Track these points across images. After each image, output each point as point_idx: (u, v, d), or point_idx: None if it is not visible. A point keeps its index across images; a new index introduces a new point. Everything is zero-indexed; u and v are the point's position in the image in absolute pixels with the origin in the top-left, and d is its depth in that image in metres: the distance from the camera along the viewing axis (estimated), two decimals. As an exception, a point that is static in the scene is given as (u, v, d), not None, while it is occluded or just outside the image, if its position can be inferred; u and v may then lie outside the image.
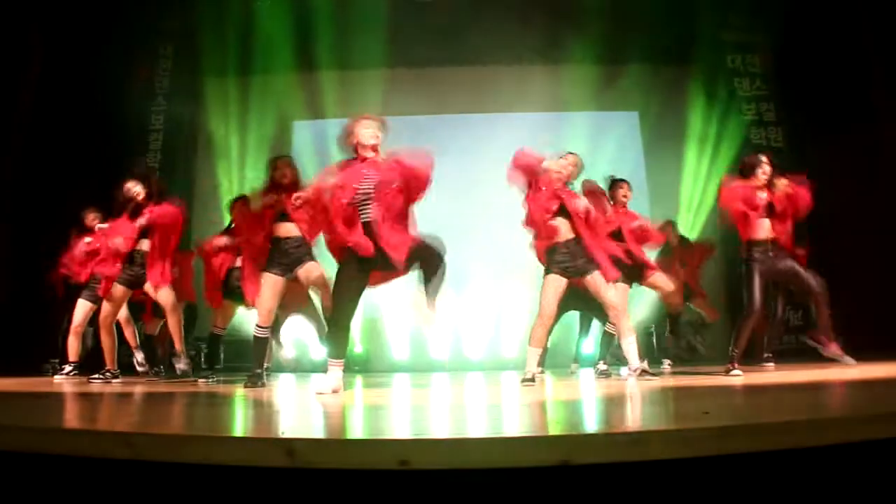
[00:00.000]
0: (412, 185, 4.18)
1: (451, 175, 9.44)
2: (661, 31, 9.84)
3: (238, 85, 10.74)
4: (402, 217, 4.18)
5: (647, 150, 10.36)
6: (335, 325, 4.18)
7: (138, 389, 4.71)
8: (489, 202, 9.24)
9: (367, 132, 4.24)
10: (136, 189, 5.65)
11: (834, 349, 5.25)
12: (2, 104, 8.35)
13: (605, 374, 5.75)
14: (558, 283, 4.79)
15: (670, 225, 7.36)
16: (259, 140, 10.27)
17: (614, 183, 6.11)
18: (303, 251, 4.88)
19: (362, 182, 4.14)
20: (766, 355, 6.64)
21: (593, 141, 10.00)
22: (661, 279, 5.94)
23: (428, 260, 4.13)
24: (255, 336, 4.98)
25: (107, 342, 5.76)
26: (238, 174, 10.03)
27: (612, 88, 10.28)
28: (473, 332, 9.56)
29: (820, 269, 6.82)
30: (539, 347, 4.92)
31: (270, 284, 4.83)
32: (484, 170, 9.83)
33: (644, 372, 4.83)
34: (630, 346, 4.86)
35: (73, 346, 6.35)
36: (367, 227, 4.07)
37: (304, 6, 10.09)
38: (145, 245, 5.65)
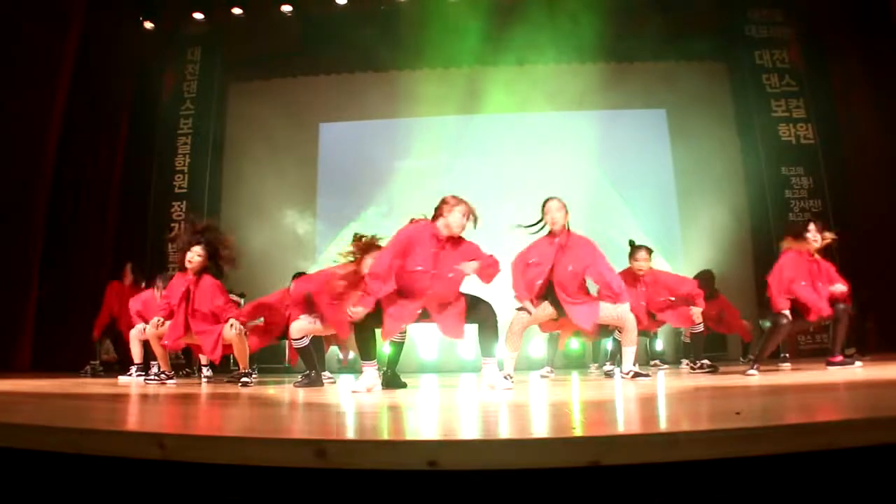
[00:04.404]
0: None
1: (479, 175, 9.49)
2: (689, 28, 9.76)
3: (264, 88, 10.84)
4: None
5: (674, 147, 10.26)
6: (361, 332, 4.38)
7: (173, 391, 4.77)
8: (521, 201, 9.23)
9: (460, 219, 4.44)
10: (195, 256, 5.73)
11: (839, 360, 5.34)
12: (37, 110, 8.50)
13: (609, 374, 6.00)
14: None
15: (709, 273, 7.52)
16: (286, 142, 10.34)
17: (632, 249, 6.36)
18: None
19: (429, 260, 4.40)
20: (783, 355, 6.76)
21: (621, 139, 9.96)
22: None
23: (483, 321, 4.50)
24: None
25: (158, 351, 5.86)
26: (264, 177, 10.07)
27: (639, 86, 10.21)
28: (501, 333, 9.51)
29: (853, 266, 6.77)
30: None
31: None
32: (512, 169, 9.87)
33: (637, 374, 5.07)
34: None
35: (137, 350, 6.63)
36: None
37: (331, 10, 10.18)
38: None
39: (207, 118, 10.40)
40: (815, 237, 5.54)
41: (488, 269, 4.49)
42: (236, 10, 10.29)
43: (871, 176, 8.47)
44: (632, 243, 6.43)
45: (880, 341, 7.95)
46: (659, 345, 8.60)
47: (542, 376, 6.17)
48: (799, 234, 5.59)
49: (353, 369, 7.41)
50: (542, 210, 5.24)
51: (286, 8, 10.22)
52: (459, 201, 4.42)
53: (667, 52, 9.93)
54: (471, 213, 4.44)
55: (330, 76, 10.91)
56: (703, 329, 6.46)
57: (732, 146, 10.02)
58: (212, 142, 10.41)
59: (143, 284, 7.62)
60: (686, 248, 9.49)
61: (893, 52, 7.99)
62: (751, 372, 5.09)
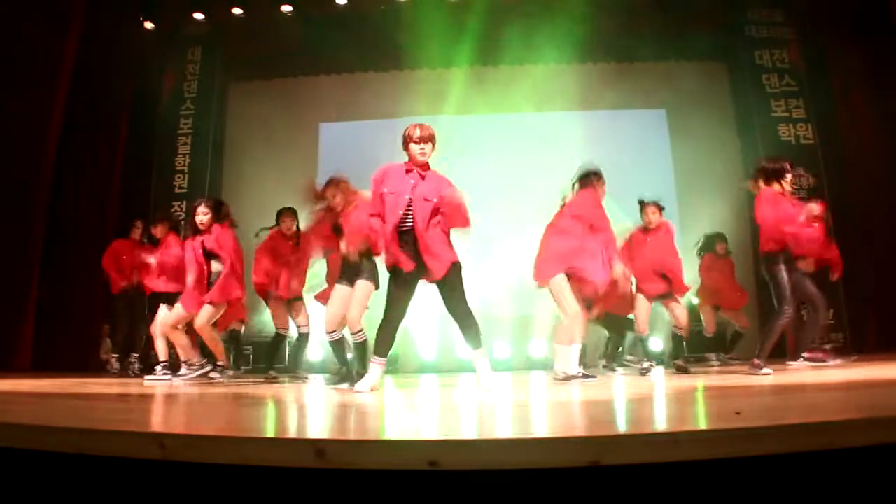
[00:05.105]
0: (450, 216, 4.26)
1: (479, 175, 9.48)
2: (689, 28, 9.76)
3: (264, 88, 10.85)
4: (442, 233, 4.27)
5: (674, 147, 10.27)
6: (386, 325, 4.28)
7: (173, 391, 4.77)
8: (520, 201, 9.22)
9: (415, 148, 4.28)
10: (202, 216, 5.82)
11: (809, 356, 5.27)
12: (37, 110, 8.50)
13: (646, 371, 6.04)
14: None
15: (719, 237, 7.58)
16: (286, 141, 10.35)
17: (642, 205, 6.43)
18: (359, 264, 5.06)
19: (404, 190, 4.25)
20: (806, 355, 6.73)
21: (621, 139, 9.96)
22: (679, 310, 6.31)
23: (455, 303, 4.24)
24: (329, 342, 5.42)
25: (181, 340, 5.91)
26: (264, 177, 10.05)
27: (639, 86, 10.22)
28: (500, 334, 9.53)
29: (852, 263, 6.75)
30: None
31: (341, 295, 5.14)
32: (512, 168, 9.87)
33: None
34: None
35: (162, 348, 6.57)
36: (408, 235, 4.19)
37: (331, 10, 10.19)
38: (216, 266, 5.84)
39: (207, 118, 10.38)
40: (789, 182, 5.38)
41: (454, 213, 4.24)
42: (236, 10, 10.28)
43: (871, 176, 8.47)
44: (641, 201, 6.46)
45: (880, 341, 7.95)
46: (659, 344, 8.59)
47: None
48: (775, 176, 5.36)
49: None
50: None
51: (286, 8, 10.21)
52: (413, 128, 4.31)
53: (667, 51, 9.94)
54: (426, 137, 4.28)
55: (330, 76, 10.93)
56: (685, 334, 6.47)
57: (732, 146, 10.02)
58: (212, 142, 10.39)
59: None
60: (686, 248, 9.47)
61: (893, 52, 7.99)
62: (765, 371, 4.97)
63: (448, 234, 4.31)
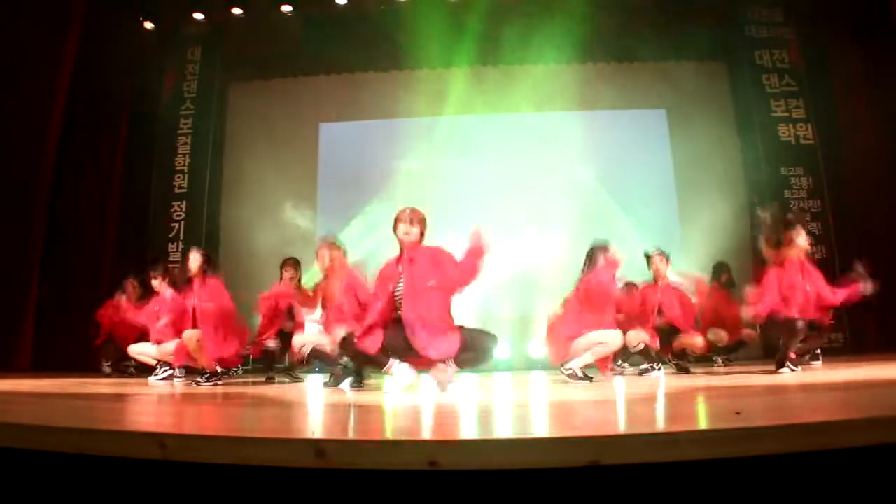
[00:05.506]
0: (453, 281, 4.15)
1: (479, 175, 9.49)
2: (690, 28, 9.76)
3: (264, 88, 10.85)
4: (440, 312, 4.13)
5: (674, 147, 10.26)
6: (365, 362, 4.35)
7: (173, 391, 4.77)
8: (520, 201, 9.21)
9: (401, 227, 4.23)
10: (194, 263, 5.96)
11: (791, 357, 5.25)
12: (37, 110, 8.50)
13: (646, 371, 6.04)
14: None
15: (724, 267, 7.48)
16: (287, 141, 10.35)
17: (649, 258, 6.44)
18: None
19: (398, 283, 4.19)
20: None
21: (621, 139, 9.96)
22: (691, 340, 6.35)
23: (470, 356, 4.14)
24: None
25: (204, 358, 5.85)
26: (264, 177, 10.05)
27: (639, 86, 10.22)
28: (500, 334, 9.51)
29: (851, 263, 6.72)
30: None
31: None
32: (512, 168, 9.87)
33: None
34: None
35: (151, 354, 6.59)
36: (400, 321, 4.11)
37: (331, 10, 10.19)
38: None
39: (207, 118, 10.36)
40: (804, 240, 5.40)
41: (466, 270, 4.13)
42: (236, 10, 10.28)
43: (871, 176, 8.47)
44: (647, 254, 6.48)
45: (880, 341, 7.94)
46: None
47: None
48: (788, 242, 5.39)
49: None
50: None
51: (286, 8, 10.21)
52: (402, 211, 4.26)
53: (667, 51, 9.92)
54: (413, 219, 4.23)
55: (330, 76, 10.92)
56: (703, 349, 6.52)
57: (732, 146, 10.00)
58: (212, 142, 10.37)
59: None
60: (686, 249, 9.48)
61: (893, 52, 7.99)
62: (783, 370, 5.00)
63: (449, 312, 4.18)
